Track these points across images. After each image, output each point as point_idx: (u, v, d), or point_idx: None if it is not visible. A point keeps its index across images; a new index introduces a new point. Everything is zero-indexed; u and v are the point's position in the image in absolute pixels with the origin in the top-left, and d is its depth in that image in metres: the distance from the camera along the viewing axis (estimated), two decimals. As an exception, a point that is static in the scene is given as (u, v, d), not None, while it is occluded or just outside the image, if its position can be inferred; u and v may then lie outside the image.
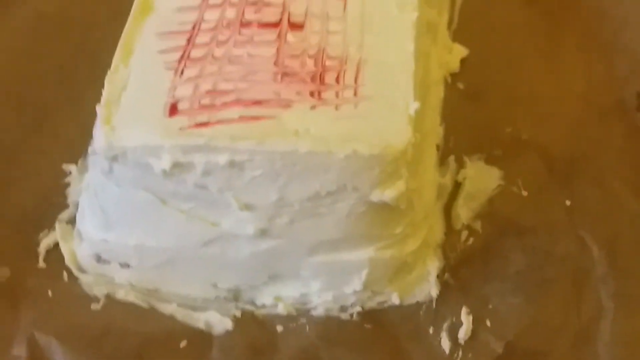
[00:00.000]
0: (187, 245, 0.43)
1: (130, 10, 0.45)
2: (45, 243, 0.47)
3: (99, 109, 0.41)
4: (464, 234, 0.47)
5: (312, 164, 0.39)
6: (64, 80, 0.55)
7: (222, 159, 0.38)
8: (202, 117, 0.40)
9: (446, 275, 0.45)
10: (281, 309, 0.44)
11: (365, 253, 0.42)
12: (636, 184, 0.49)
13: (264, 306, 0.45)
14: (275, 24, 0.44)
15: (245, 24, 0.44)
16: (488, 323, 0.44)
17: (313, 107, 0.40)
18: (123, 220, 0.43)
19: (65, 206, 0.49)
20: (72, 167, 0.50)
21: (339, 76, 0.42)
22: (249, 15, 0.44)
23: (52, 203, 0.49)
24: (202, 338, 0.43)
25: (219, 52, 0.43)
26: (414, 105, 0.40)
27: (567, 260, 0.46)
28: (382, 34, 0.44)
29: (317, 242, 0.42)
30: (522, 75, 0.56)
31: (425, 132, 0.44)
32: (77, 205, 0.48)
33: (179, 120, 0.40)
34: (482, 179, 0.50)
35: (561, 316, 0.43)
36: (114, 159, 0.40)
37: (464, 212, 0.48)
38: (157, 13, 0.45)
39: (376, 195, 0.39)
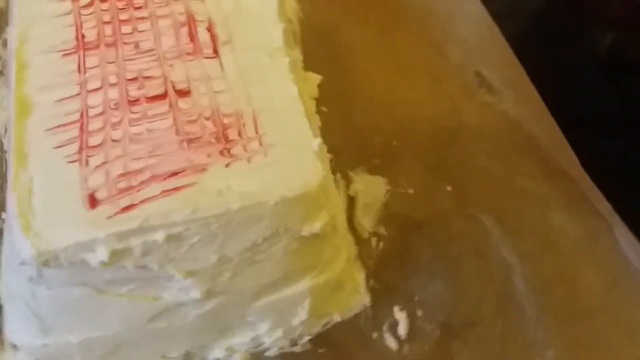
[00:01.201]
0: (133, 327, 0.44)
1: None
2: (-28, 367, 0.45)
3: (14, 219, 0.40)
4: (374, 240, 0.52)
5: (245, 218, 0.41)
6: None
7: (160, 235, 0.40)
8: (125, 201, 0.40)
9: (371, 282, 0.50)
10: (237, 359, 0.46)
11: (304, 284, 0.45)
12: (500, 152, 0.56)
13: (217, 360, 0.47)
14: (163, 95, 0.45)
15: (133, 102, 0.45)
16: (419, 313, 0.49)
17: (227, 165, 0.42)
18: (62, 321, 0.43)
19: (-16, 323, 0.47)
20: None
21: (240, 131, 0.44)
22: (134, 92, 0.45)
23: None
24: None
25: (117, 134, 0.43)
26: (316, 142, 0.44)
27: (465, 236, 0.52)
28: (264, 83, 0.47)
29: (259, 287, 0.44)
30: (374, 86, 0.62)
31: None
32: (-6, 321, 0.47)
33: (103, 209, 0.40)
34: (371, 188, 0.55)
35: (478, 285, 0.50)
36: (45, 263, 0.39)
37: (366, 222, 0.53)
38: (38, 110, 0.45)
39: (307, 230, 0.43)
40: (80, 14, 0.49)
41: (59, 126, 0.44)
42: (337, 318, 0.48)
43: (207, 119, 0.45)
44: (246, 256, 0.42)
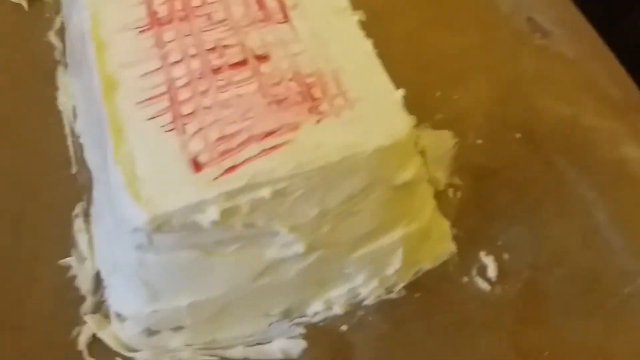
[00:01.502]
0: (238, 286, 0.45)
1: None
2: (82, 340, 0.46)
3: (122, 190, 0.41)
4: (450, 191, 0.53)
5: (343, 169, 0.42)
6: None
7: (266, 192, 0.41)
8: (228, 162, 0.42)
9: (454, 230, 0.51)
10: (337, 310, 0.47)
11: (397, 233, 0.47)
12: (562, 93, 0.57)
13: (316, 313, 0.48)
14: (244, 62, 0.46)
15: (216, 70, 0.46)
16: (505, 256, 0.50)
17: (318, 122, 0.44)
18: (171, 285, 0.44)
19: (82, 298, 0.48)
20: (69, 260, 0.49)
21: (323, 89, 0.45)
22: (215, 61, 0.46)
23: (67, 300, 0.48)
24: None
25: (206, 101, 0.44)
26: (400, 93, 0.45)
27: (541, 179, 0.53)
28: (338, 42, 0.48)
29: (356, 238, 0.45)
30: (423, 43, 0.62)
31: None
32: (94, 293, 0.48)
33: (208, 172, 0.41)
34: (439, 142, 0.56)
35: (560, 224, 0.51)
36: (158, 228, 0.40)
37: (439, 174, 0.54)
38: (125, 86, 0.46)
39: (400, 178, 0.44)
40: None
41: (148, 99, 0.45)
42: (427, 266, 0.49)
43: (290, 80, 0.46)
44: (344, 208, 0.44)
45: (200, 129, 0.43)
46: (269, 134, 0.43)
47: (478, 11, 0.64)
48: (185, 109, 0.44)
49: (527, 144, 0.55)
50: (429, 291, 0.48)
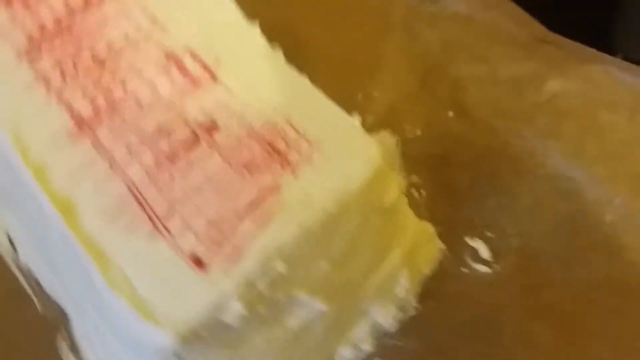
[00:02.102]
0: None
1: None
2: None
3: (129, 314, 0.39)
4: (414, 191, 0.53)
5: (340, 213, 0.42)
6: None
7: (281, 265, 0.40)
8: (228, 249, 0.40)
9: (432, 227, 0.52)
10: (367, 347, 0.48)
11: (397, 253, 0.47)
12: (480, 53, 0.58)
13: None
14: (196, 138, 0.44)
15: (171, 156, 0.44)
16: (489, 234, 0.52)
17: (295, 176, 0.43)
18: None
19: None
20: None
21: (284, 138, 0.44)
22: (165, 146, 0.44)
23: None
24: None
25: (177, 192, 0.42)
26: (356, 119, 0.45)
27: (490, 150, 0.54)
28: (275, 86, 0.47)
29: (364, 273, 0.46)
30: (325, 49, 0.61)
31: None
32: None
33: (214, 267, 0.39)
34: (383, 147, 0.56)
35: (526, 184, 0.53)
36: (185, 342, 0.38)
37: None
38: (82, 203, 0.42)
39: (388, 200, 0.45)
40: (61, 98, 0.46)
41: (115, 210, 0.42)
42: (426, 272, 0.50)
43: (248, 138, 0.44)
44: (347, 250, 0.44)
45: (184, 224, 0.41)
46: (254, 204, 0.42)
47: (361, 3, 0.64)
48: (159, 208, 0.42)
49: (462, 118, 0.57)
50: (439, 295, 0.49)
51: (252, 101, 0.46)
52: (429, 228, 0.51)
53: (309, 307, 0.43)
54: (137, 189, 0.43)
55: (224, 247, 0.40)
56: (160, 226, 0.41)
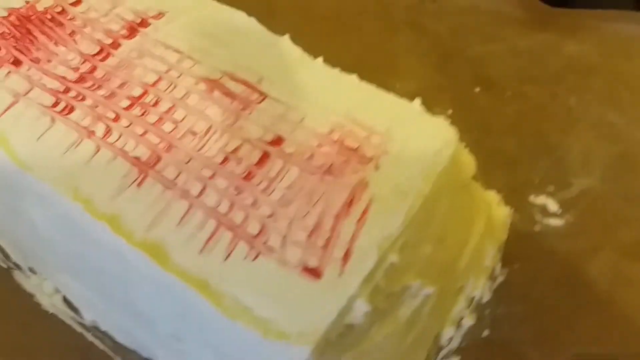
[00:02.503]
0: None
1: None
2: None
3: (259, 338, 0.37)
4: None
5: (433, 194, 0.42)
6: None
7: (394, 256, 0.39)
8: (338, 252, 0.39)
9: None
10: (469, 322, 0.48)
11: (480, 223, 0.47)
12: (486, 30, 0.60)
13: (451, 338, 0.47)
14: (265, 155, 0.43)
15: (247, 176, 0.43)
16: (551, 188, 0.53)
17: (377, 168, 0.42)
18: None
19: None
20: None
21: (353, 137, 0.44)
22: (238, 169, 0.43)
23: None
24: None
25: (266, 210, 0.41)
26: (417, 101, 0.46)
27: (526, 114, 0.57)
28: (322, 88, 0.47)
29: (457, 249, 0.46)
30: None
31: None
32: None
33: (329, 272, 0.38)
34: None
35: (569, 134, 0.55)
36: (321, 353, 0.37)
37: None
38: (174, 243, 0.40)
39: (468, 173, 0.45)
40: (114, 147, 0.45)
41: (207, 242, 0.41)
42: (503, 237, 0.51)
43: (319, 146, 0.44)
44: (443, 229, 0.43)
45: (284, 238, 0.40)
46: (347, 204, 0.41)
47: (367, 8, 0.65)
48: (252, 229, 0.41)
49: (490, 91, 0.58)
50: (522, 257, 0.50)
51: (309, 109, 0.46)
52: (494, 196, 0.52)
53: (418, 292, 0.42)
54: (222, 215, 0.41)
55: (332, 251, 0.39)
56: (259, 246, 0.40)
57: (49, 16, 0.53)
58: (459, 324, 0.47)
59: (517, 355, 0.45)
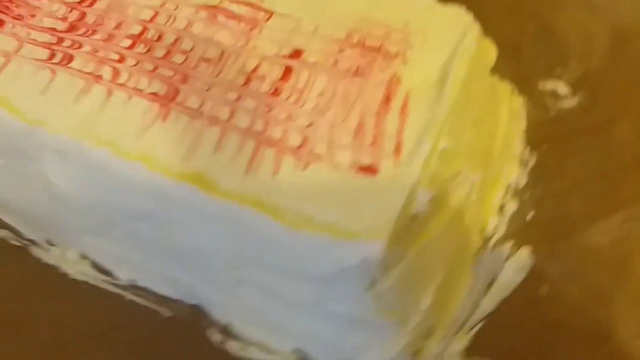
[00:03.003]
0: (450, 249, 0.43)
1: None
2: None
3: (330, 238, 0.36)
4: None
5: (471, 71, 0.41)
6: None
7: (442, 141, 0.39)
8: (389, 145, 0.39)
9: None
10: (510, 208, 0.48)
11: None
12: None
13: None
14: (288, 69, 0.42)
15: (275, 93, 0.41)
16: (559, 70, 0.53)
17: (403, 61, 0.42)
18: (408, 300, 0.41)
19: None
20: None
21: (374, 37, 0.43)
22: (264, 87, 0.41)
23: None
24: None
25: (304, 120, 0.40)
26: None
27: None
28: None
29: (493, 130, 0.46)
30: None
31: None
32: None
33: (385, 165, 0.38)
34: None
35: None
36: (392, 246, 0.37)
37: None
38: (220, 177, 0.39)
39: (490, 62, 0.45)
40: (126, 88, 0.43)
41: (251, 162, 0.39)
42: (523, 125, 0.51)
43: (340, 51, 0.42)
44: (478, 113, 0.44)
45: (331, 143, 0.39)
46: (386, 100, 0.40)
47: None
48: (294, 141, 0.39)
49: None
50: (547, 140, 0.50)
51: (320, 18, 0.44)
52: (508, 85, 0.52)
53: (467, 179, 0.42)
54: (259, 133, 0.40)
55: (382, 147, 0.39)
56: (306, 155, 0.39)
57: (23, -30, 0.49)
58: (502, 212, 0.47)
59: (567, 227, 0.46)
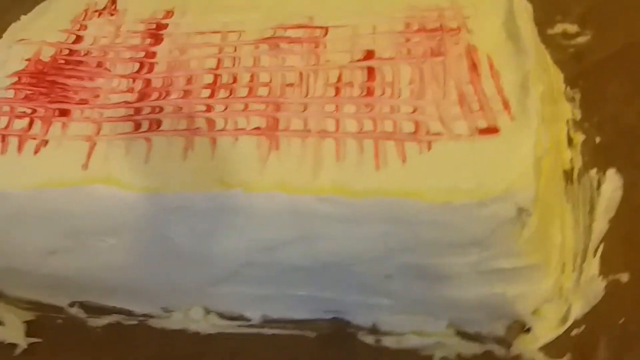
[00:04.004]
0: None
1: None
2: None
3: (483, 202, 0.39)
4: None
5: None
6: None
7: (540, 85, 0.43)
8: (495, 105, 0.42)
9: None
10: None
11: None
12: None
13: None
14: (371, 71, 0.45)
15: (370, 92, 0.44)
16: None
17: (467, 30, 0.45)
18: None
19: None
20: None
21: (431, 20, 0.47)
22: (356, 92, 0.44)
23: None
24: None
25: (410, 106, 0.43)
26: None
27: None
28: None
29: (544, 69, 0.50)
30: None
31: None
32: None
33: (501, 123, 0.41)
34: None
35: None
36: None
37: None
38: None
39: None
40: (227, 132, 0.44)
41: (376, 159, 0.41)
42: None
43: (407, 41, 0.46)
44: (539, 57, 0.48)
45: (442, 120, 0.42)
46: (472, 68, 0.44)
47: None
48: (408, 128, 0.42)
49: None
50: (582, 74, 0.55)
51: (372, 19, 0.48)
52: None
53: (560, 116, 0.46)
54: (372, 132, 0.42)
55: (491, 107, 0.42)
56: (425, 137, 0.41)
57: (61, 61, 0.50)
58: (572, 144, 0.52)
59: (634, 140, 0.51)
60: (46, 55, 0.50)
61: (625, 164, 0.50)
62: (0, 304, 0.52)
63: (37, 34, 0.52)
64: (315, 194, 0.41)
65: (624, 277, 0.46)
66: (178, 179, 0.43)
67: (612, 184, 0.50)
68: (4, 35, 0.53)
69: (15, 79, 0.49)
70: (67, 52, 0.50)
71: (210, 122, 0.44)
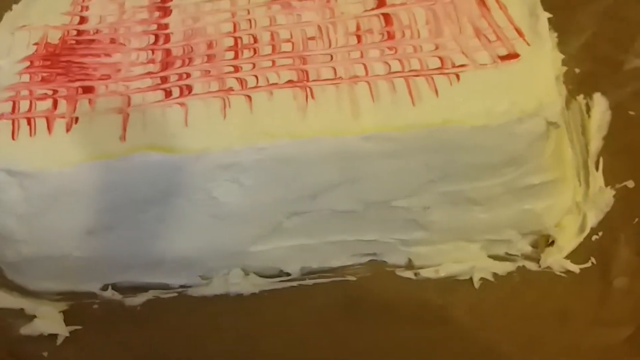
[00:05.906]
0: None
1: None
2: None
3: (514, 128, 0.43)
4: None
5: None
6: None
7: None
8: (511, 37, 0.46)
9: None
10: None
11: None
12: None
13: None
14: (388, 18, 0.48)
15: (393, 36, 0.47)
16: None
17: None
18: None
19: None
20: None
21: None
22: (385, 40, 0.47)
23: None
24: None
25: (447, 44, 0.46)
26: None
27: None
28: None
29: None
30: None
31: None
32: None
33: (521, 51, 0.45)
34: None
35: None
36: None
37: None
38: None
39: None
40: (260, 88, 0.45)
41: (410, 95, 0.44)
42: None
43: None
44: None
45: (463, 52, 0.45)
46: (481, 3, 0.47)
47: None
48: (433, 64, 0.45)
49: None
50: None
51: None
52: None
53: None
54: (400, 72, 0.45)
55: (507, 36, 0.45)
56: (451, 69, 0.44)
57: (72, 42, 0.50)
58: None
59: (613, 62, 0.55)
60: (54, 38, 0.50)
61: (608, 86, 0.55)
62: (29, 299, 0.51)
63: (38, 19, 0.51)
64: (358, 134, 0.43)
65: (630, 184, 0.51)
66: (222, 137, 0.44)
67: (601, 106, 0.54)
68: (0, 25, 0.52)
69: (27, 63, 0.48)
70: (75, 32, 0.50)
71: (242, 81, 0.46)
